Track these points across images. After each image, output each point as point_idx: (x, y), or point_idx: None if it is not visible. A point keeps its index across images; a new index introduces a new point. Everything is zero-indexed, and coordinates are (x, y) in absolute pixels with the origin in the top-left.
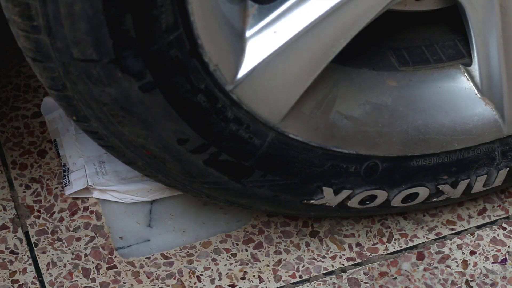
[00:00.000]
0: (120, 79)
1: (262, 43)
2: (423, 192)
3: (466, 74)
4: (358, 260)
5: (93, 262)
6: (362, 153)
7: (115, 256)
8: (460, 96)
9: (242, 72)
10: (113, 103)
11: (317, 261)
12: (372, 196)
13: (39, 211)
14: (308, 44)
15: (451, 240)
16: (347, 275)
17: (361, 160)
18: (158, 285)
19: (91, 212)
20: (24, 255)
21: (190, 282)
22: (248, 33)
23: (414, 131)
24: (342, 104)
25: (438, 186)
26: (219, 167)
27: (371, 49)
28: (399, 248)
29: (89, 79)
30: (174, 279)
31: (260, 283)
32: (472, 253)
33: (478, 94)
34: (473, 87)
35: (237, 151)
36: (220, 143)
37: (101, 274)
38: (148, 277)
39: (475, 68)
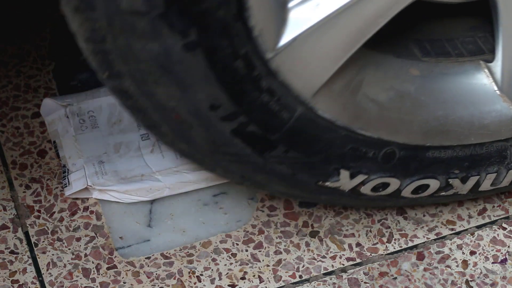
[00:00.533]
0: (165, 36)
1: (304, 14)
2: (433, 184)
3: (486, 70)
4: (358, 260)
5: (93, 262)
6: (384, 138)
7: (115, 256)
8: (479, 91)
9: (282, 42)
10: (152, 61)
11: (317, 261)
12: (385, 183)
13: (39, 211)
14: (348, 20)
15: (451, 240)
16: (347, 275)
17: (380, 145)
18: (158, 285)
19: (91, 212)
20: (24, 255)
21: (190, 282)
22: (291, 3)
23: (434, 121)
24: (369, 87)
25: (449, 180)
26: (245, 138)
27: (395, 37)
28: (399, 248)
29: (133, 33)
30: (174, 279)
31: (260, 283)
32: (472, 253)
33: (497, 91)
34: (493, 83)
35: (265, 123)
36: (250, 113)
37: (101, 274)
38: (148, 277)
39: (497, 64)
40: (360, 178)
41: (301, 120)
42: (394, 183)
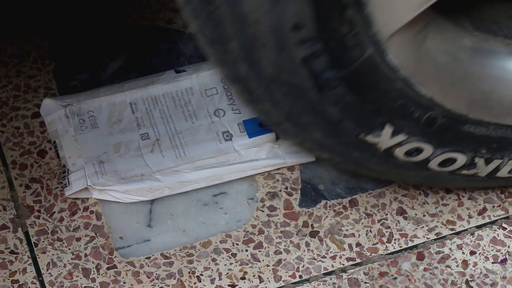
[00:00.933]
0: None
1: None
2: (460, 159)
3: None
4: (358, 260)
5: (93, 262)
6: (435, 100)
7: (115, 256)
8: None
9: None
10: None
11: (317, 261)
12: (419, 149)
13: (39, 211)
14: None
15: (451, 240)
16: (347, 275)
17: (427, 107)
18: (158, 285)
19: (91, 212)
20: (24, 255)
21: (190, 282)
22: None
23: (479, 94)
24: (430, 44)
25: (475, 158)
26: (312, 68)
27: (452, 8)
28: (399, 248)
29: None
30: (174, 279)
31: (260, 283)
32: (472, 253)
33: None
34: None
35: (336, 58)
36: (327, 42)
37: (101, 274)
38: (148, 277)
39: None
40: (400, 137)
41: (369, 61)
42: (427, 150)
